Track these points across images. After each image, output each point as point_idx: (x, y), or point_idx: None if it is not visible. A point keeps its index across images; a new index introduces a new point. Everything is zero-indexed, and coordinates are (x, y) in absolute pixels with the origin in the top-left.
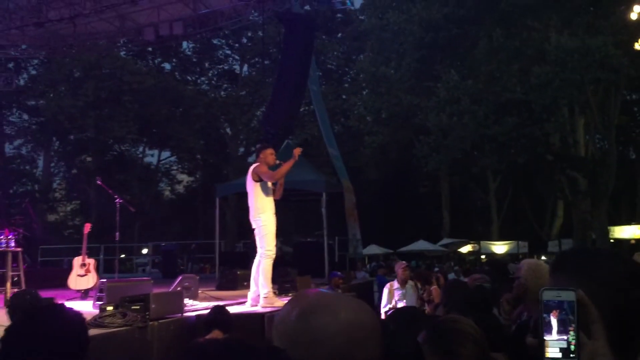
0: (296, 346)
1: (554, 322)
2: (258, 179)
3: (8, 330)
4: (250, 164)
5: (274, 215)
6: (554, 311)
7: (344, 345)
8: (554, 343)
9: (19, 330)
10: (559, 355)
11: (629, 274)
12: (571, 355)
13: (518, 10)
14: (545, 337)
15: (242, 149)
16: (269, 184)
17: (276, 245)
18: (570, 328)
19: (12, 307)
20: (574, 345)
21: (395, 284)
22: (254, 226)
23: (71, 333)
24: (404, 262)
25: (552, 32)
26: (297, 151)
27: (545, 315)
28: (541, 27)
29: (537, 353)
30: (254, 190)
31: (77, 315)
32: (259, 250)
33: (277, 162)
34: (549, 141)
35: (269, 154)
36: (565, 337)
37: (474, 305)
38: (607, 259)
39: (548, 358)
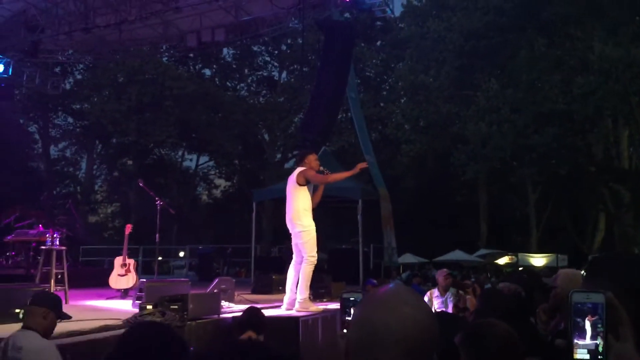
0: (361, 339)
1: (587, 325)
2: (304, 182)
3: (119, 342)
4: (288, 170)
5: (313, 221)
6: (589, 315)
7: (404, 339)
8: (583, 344)
9: (129, 343)
10: (587, 356)
11: None
12: (599, 357)
13: (560, 19)
14: (575, 339)
15: (279, 155)
16: (310, 190)
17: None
18: (599, 330)
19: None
20: (602, 346)
21: (435, 292)
22: (293, 230)
23: (177, 351)
24: (445, 269)
25: (595, 42)
26: (362, 165)
27: (576, 318)
28: (584, 37)
29: (567, 354)
30: (297, 193)
31: (181, 337)
32: (295, 256)
33: (321, 168)
34: (591, 152)
35: (314, 160)
36: (594, 340)
37: (510, 312)
38: (637, 261)
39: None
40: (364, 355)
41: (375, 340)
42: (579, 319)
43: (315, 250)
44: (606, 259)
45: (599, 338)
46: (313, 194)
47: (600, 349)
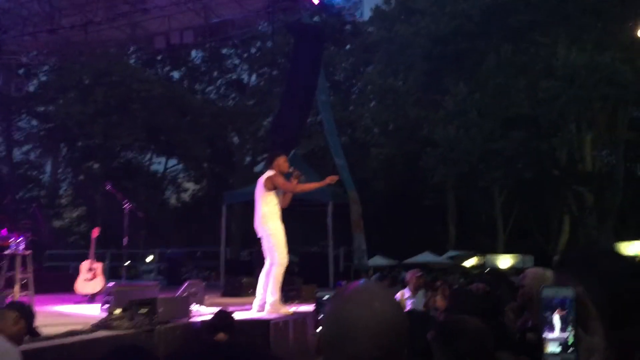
0: (332, 334)
1: (556, 319)
2: (272, 187)
3: None
4: (257, 174)
5: (282, 223)
6: (558, 309)
7: (375, 334)
8: (553, 337)
9: None
10: (559, 349)
11: (627, 268)
12: (569, 350)
13: (526, 25)
14: (545, 333)
15: (248, 159)
16: (279, 193)
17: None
18: (570, 324)
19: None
20: (573, 340)
21: (407, 293)
22: (260, 234)
23: None
24: (417, 269)
25: (560, 48)
26: (331, 179)
27: (546, 313)
28: (549, 43)
29: (538, 348)
30: (264, 197)
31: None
32: (267, 258)
33: (290, 169)
34: (555, 156)
35: (283, 162)
36: (564, 333)
37: (479, 310)
38: (607, 256)
39: (548, 353)
40: (335, 350)
41: (346, 335)
42: (548, 313)
43: (285, 252)
44: (577, 252)
45: (569, 331)
46: (282, 197)
47: (570, 341)
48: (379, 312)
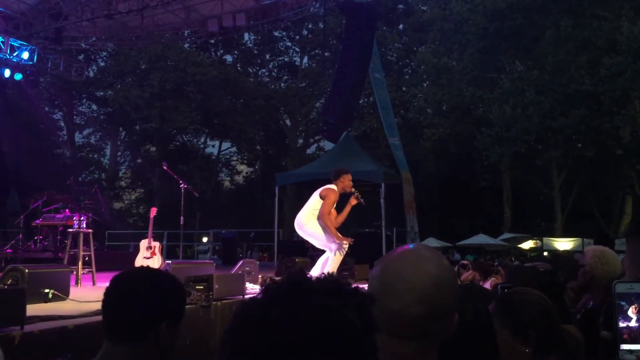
0: (376, 290)
1: (631, 312)
2: (323, 198)
3: (106, 294)
4: (309, 155)
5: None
6: (635, 305)
7: (417, 289)
8: (627, 327)
9: (117, 292)
10: (635, 346)
11: None
12: None
13: None
14: (619, 322)
15: (300, 141)
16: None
17: None
18: None
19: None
20: None
21: None
22: (304, 234)
23: (170, 292)
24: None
25: (624, 22)
26: (350, 240)
27: (621, 302)
28: (612, 17)
29: (611, 344)
30: (313, 204)
31: (173, 277)
32: (327, 250)
33: (352, 189)
34: (618, 135)
35: (347, 180)
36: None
37: (539, 286)
38: None
39: (624, 350)
40: (378, 307)
41: (389, 290)
42: (623, 303)
43: (338, 234)
44: None
45: None
46: (336, 217)
47: None
48: (424, 269)
